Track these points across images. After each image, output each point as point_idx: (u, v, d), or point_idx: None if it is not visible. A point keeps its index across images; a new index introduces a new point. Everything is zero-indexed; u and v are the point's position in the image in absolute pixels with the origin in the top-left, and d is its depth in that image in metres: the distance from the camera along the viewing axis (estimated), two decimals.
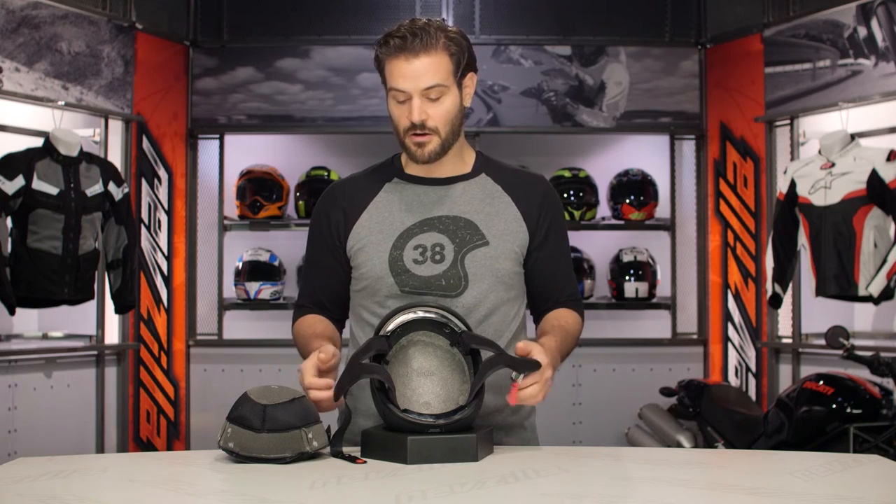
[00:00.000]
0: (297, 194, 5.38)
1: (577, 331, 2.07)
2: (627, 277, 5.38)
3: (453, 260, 1.98)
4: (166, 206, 5.26)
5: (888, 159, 4.16)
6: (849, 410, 3.53)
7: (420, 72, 1.92)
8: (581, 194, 5.36)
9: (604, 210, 5.51)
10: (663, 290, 5.49)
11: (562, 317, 2.06)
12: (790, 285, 4.70)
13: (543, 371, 1.81)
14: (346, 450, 1.83)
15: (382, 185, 2.07)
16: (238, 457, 1.76)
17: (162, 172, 5.23)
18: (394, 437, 1.77)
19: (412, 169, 2.07)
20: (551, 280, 2.09)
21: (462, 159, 2.08)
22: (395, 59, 1.93)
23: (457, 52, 1.96)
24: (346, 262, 2.06)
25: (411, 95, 1.94)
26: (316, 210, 2.12)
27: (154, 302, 5.19)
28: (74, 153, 4.34)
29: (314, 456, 1.79)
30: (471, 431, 1.80)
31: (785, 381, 4.93)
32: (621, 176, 5.45)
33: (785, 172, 4.63)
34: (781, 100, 4.96)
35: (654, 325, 5.55)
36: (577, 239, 5.52)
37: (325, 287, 2.10)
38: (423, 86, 1.93)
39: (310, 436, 1.76)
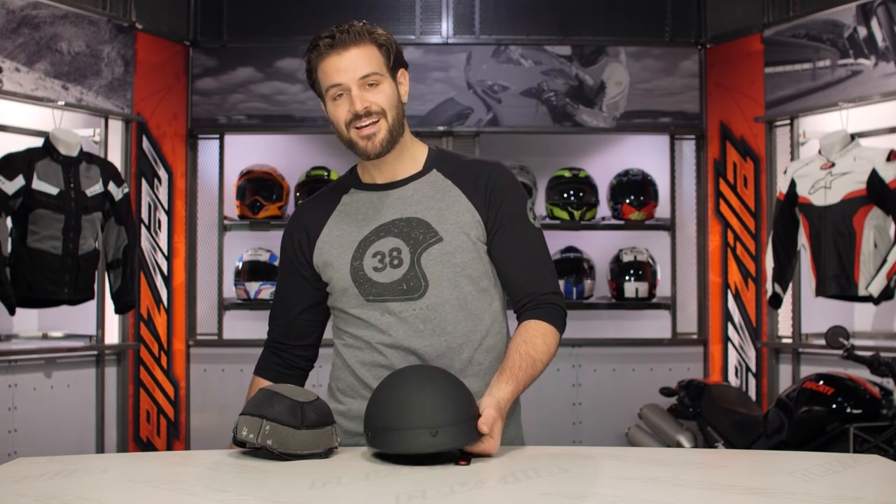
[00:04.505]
0: (297, 194, 5.38)
1: (545, 355, 1.96)
2: (627, 277, 5.37)
3: (410, 262, 1.97)
4: (166, 206, 5.25)
5: (888, 159, 4.16)
6: (849, 410, 3.52)
7: (353, 62, 1.94)
8: (581, 194, 5.36)
9: (604, 210, 5.50)
10: (663, 290, 5.49)
11: (531, 339, 1.95)
12: (790, 285, 4.70)
13: (493, 426, 1.77)
14: (366, 451, 1.84)
15: (340, 198, 2.08)
16: (272, 454, 1.77)
17: (162, 172, 5.23)
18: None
19: (367, 177, 2.07)
20: (516, 273, 2.01)
21: (413, 158, 2.06)
22: (327, 58, 1.96)
23: (385, 44, 1.99)
24: (315, 279, 2.07)
25: (349, 87, 1.94)
26: (283, 233, 2.14)
27: (154, 302, 5.19)
28: (74, 153, 4.34)
29: (328, 453, 1.82)
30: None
31: (785, 381, 4.92)
32: (621, 176, 5.45)
33: (785, 172, 4.63)
34: (781, 100, 4.96)
35: (654, 325, 5.54)
36: (577, 239, 5.51)
37: (294, 308, 2.10)
38: (359, 74, 1.94)
39: (335, 433, 1.82)
